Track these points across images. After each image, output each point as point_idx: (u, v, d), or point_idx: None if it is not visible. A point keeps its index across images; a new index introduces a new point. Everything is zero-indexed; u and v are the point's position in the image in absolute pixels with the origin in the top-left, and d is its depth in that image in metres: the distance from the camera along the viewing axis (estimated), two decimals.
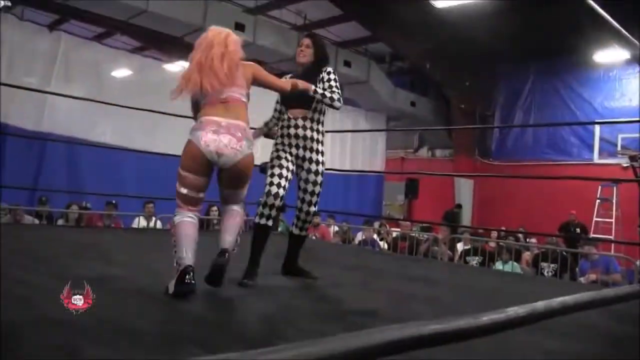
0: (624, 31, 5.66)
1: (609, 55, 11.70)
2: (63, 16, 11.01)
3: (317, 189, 3.38)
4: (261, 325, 2.27)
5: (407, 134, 16.54)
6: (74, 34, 11.00)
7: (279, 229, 7.09)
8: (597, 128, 12.64)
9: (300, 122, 3.36)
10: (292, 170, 3.36)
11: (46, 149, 10.14)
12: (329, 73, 3.44)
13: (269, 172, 3.32)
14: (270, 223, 3.29)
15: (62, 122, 10.04)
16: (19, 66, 9.79)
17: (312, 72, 3.45)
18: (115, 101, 6.54)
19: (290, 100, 3.38)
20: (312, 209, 3.40)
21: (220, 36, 2.88)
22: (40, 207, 8.04)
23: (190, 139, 2.75)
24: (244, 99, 2.89)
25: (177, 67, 12.19)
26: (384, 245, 8.77)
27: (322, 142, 3.45)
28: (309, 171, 3.36)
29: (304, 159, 3.36)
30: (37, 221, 7.59)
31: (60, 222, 7.79)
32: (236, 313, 2.48)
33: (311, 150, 3.36)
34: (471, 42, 12.37)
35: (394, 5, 11.43)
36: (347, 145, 15.36)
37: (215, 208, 8.55)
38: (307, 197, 3.38)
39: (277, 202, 3.23)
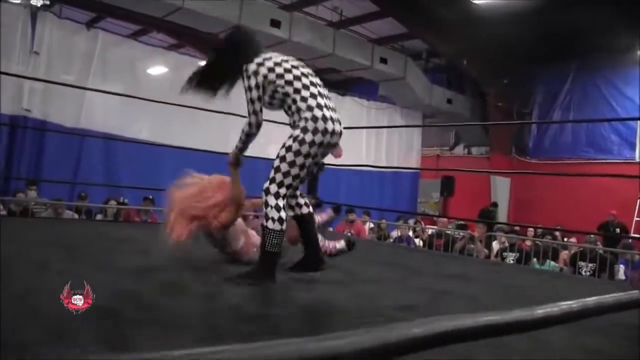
0: None
1: None
2: (100, 14, 11.20)
3: (282, 165, 2.96)
4: (299, 319, 2.27)
5: (443, 131, 16.41)
6: (111, 32, 11.15)
7: None
8: (639, 125, 12.35)
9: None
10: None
11: (84, 145, 10.31)
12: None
13: None
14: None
15: (100, 119, 10.20)
16: (58, 64, 9.97)
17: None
18: (151, 98, 6.62)
19: None
20: (266, 184, 2.99)
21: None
22: (79, 202, 8.21)
23: None
24: None
25: None
26: (419, 242, 8.71)
27: (299, 128, 2.97)
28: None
29: None
30: (76, 216, 7.75)
31: (98, 217, 7.93)
32: (275, 306, 2.47)
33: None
34: (509, 40, 12.20)
35: (431, 2, 11.34)
36: (383, 142, 15.32)
37: None
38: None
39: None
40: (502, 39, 12.17)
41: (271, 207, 2.94)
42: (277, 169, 2.95)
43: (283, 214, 2.96)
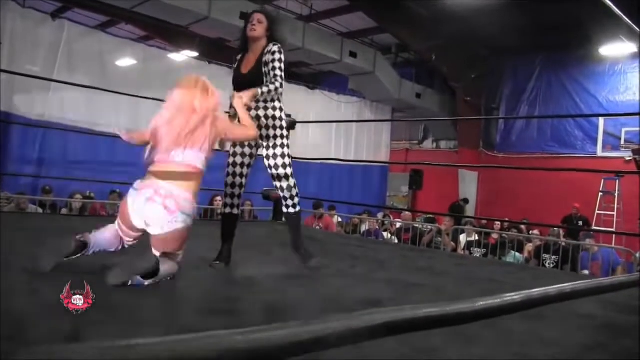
0: (630, 23, 5.65)
1: (615, 48, 11.73)
2: (66, 4, 10.98)
3: (287, 160, 3.35)
4: (260, 314, 2.28)
5: (412, 125, 16.56)
6: (78, 22, 10.95)
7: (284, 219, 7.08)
8: (601, 121, 12.68)
9: (254, 104, 3.30)
10: (252, 154, 3.43)
11: (50, 138, 10.14)
12: (273, 53, 3.29)
13: (228, 161, 3.44)
14: (234, 211, 3.43)
15: (66, 112, 10.04)
16: (22, 54, 9.74)
17: (257, 50, 3.39)
18: (120, 90, 6.55)
19: (241, 86, 3.27)
20: (286, 182, 3.34)
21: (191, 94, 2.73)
22: (44, 196, 8.08)
23: None
24: (200, 166, 2.70)
25: (182, 56, 12.18)
26: (388, 236, 8.78)
27: (283, 119, 3.38)
28: (273, 147, 3.33)
29: (263, 137, 3.33)
30: (40, 210, 7.62)
31: (64, 211, 7.81)
32: (237, 301, 2.48)
33: (272, 127, 3.33)
34: (477, 36, 12.37)
35: None
36: (352, 136, 15.40)
37: (219, 198, 8.57)
38: (276, 161, 3.33)
39: (233, 190, 3.39)
40: (470, 35, 12.32)
41: (296, 187, 3.39)
42: (287, 164, 3.33)
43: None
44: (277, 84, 3.23)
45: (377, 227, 8.83)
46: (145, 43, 12.65)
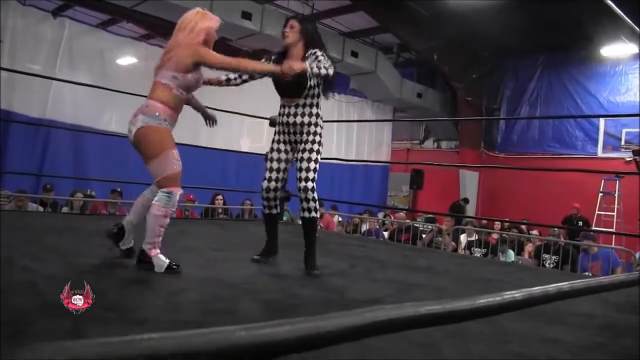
0: (632, 24, 5.65)
1: (616, 49, 11.75)
2: (67, 2, 10.97)
3: (312, 165, 3.33)
4: (262, 313, 2.29)
5: (413, 125, 16.55)
6: (79, 21, 10.96)
7: (284, 218, 7.10)
8: (601, 122, 12.67)
9: (293, 110, 3.37)
10: (288, 159, 3.51)
11: (51, 136, 10.14)
12: (316, 56, 3.29)
13: (266, 165, 3.53)
14: (273, 211, 3.60)
15: (67, 110, 10.05)
16: (23, 53, 9.76)
17: (296, 55, 3.37)
18: (121, 89, 6.53)
19: (283, 87, 3.35)
20: (306, 184, 3.31)
21: (185, 19, 3.09)
22: (44, 195, 8.07)
23: None
24: (164, 81, 2.99)
25: None
26: (388, 235, 8.79)
27: (320, 126, 3.43)
28: (303, 151, 3.36)
29: (299, 142, 3.41)
30: (41, 209, 7.61)
31: (64, 209, 7.81)
32: (240, 300, 2.49)
33: (307, 133, 3.37)
34: (479, 36, 12.36)
35: None
36: (353, 136, 15.40)
37: (220, 197, 8.58)
38: (301, 174, 3.33)
39: (268, 195, 3.51)
40: (471, 35, 12.32)
41: (314, 200, 3.34)
42: (311, 169, 3.32)
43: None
44: (330, 71, 3.23)
45: (378, 226, 8.83)
46: (146, 41, 12.64)
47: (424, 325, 0.84)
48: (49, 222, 5.02)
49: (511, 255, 7.22)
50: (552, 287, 1.10)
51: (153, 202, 2.90)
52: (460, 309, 0.88)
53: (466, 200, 13.51)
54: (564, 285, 1.15)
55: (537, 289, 1.07)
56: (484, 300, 0.93)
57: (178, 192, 2.92)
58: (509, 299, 0.98)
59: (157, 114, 2.91)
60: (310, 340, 0.69)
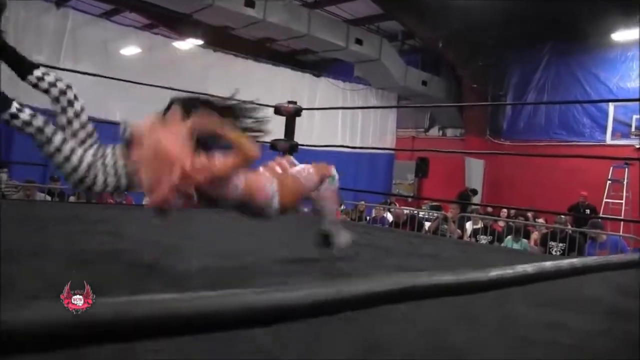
0: None
1: (628, 34, 11.51)
2: None
3: None
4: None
5: (418, 113, 16.49)
6: (82, 11, 10.94)
7: None
8: (611, 108, 12.51)
9: None
10: None
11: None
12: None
13: None
14: None
15: None
16: (26, 43, 9.74)
17: None
18: (125, 79, 6.52)
19: None
20: None
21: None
22: (52, 185, 8.11)
23: None
24: None
25: (187, 44, 12.15)
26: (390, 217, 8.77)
27: None
28: None
29: None
30: (49, 198, 7.66)
31: (72, 199, 7.83)
32: (246, 286, 2.48)
33: None
34: (485, 22, 12.27)
35: None
36: (358, 124, 15.34)
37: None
38: None
39: None
40: (477, 22, 12.23)
41: None
42: None
43: None
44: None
45: (383, 214, 8.82)
46: (150, 31, 12.62)
47: (439, 295, 0.84)
48: (55, 212, 5.03)
49: (524, 244, 7.19)
50: (564, 262, 1.09)
51: None
52: (474, 280, 0.87)
53: (474, 192, 13.38)
54: (575, 261, 1.14)
55: (549, 264, 1.06)
56: (495, 273, 0.92)
57: None
58: (521, 272, 0.98)
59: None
60: (326, 304, 0.68)
